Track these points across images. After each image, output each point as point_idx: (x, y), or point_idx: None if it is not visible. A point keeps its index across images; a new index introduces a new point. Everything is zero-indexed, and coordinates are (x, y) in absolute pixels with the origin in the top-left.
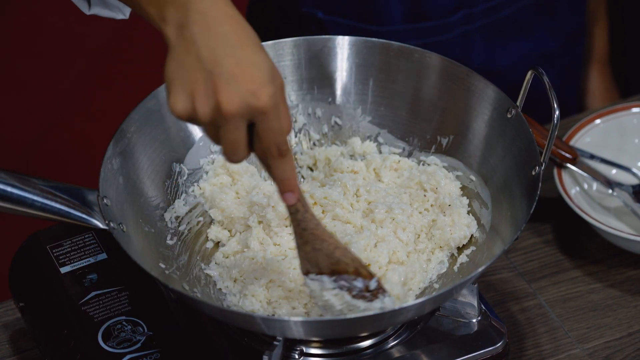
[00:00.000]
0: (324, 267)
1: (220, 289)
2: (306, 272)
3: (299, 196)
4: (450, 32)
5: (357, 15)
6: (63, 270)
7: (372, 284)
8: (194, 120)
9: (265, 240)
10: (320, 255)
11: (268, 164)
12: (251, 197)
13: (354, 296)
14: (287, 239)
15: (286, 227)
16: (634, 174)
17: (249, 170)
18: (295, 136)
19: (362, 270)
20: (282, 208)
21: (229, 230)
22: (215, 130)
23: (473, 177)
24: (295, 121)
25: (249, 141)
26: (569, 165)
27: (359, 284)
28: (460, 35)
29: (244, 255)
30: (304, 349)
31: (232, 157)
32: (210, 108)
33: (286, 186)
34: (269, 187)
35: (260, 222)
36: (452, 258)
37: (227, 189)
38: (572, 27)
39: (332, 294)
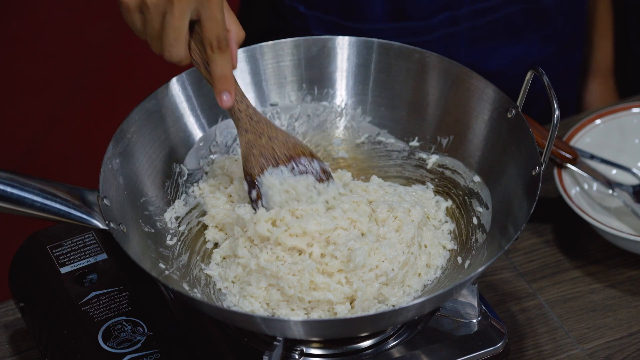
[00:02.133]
0: (280, 155)
1: (220, 289)
2: (260, 171)
3: (236, 97)
4: (432, 33)
5: (339, 11)
6: (63, 270)
7: (326, 166)
8: (142, 4)
9: (252, 249)
10: (277, 143)
11: (207, 61)
12: (236, 209)
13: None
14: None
15: (266, 247)
16: (634, 174)
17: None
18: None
19: (315, 154)
20: (261, 229)
21: (225, 233)
22: (160, 18)
23: (473, 177)
24: (296, 120)
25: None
26: (569, 165)
27: (316, 165)
28: (443, 37)
29: (237, 261)
30: (304, 349)
31: (172, 49)
32: None
33: (223, 84)
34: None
35: (245, 231)
36: (452, 253)
37: (218, 193)
38: (567, 36)
39: (295, 180)
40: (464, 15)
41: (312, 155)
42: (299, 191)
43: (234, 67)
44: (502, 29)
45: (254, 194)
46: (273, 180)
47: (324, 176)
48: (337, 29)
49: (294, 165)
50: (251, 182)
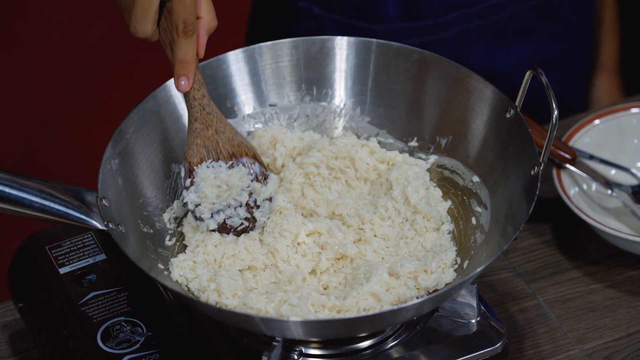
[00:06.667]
0: (223, 151)
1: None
2: (200, 161)
3: (194, 84)
4: (446, 31)
5: (353, 12)
6: (62, 270)
7: (266, 171)
8: None
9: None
10: (222, 138)
11: (172, 43)
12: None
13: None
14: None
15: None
16: (633, 175)
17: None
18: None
19: (258, 157)
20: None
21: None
22: None
23: (472, 177)
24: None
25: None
26: (568, 165)
27: (257, 168)
28: (457, 35)
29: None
30: (303, 349)
31: (137, 24)
32: None
33: (183, 69)
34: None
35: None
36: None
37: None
38: (577, 32)
39: (228, 174)
40: (477, 13)
41: (255, 158)
42: (232, 184)
43: (200, 55)
44: (514, 26)
45: (188, 181)
46: (208, 173)
47: (261, 177)
48: (351, 30)
49: (234, 164)
50: (188, 170)
